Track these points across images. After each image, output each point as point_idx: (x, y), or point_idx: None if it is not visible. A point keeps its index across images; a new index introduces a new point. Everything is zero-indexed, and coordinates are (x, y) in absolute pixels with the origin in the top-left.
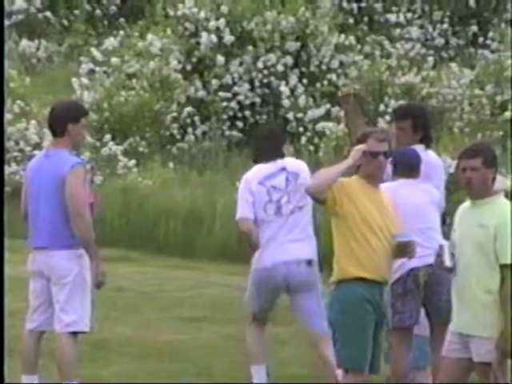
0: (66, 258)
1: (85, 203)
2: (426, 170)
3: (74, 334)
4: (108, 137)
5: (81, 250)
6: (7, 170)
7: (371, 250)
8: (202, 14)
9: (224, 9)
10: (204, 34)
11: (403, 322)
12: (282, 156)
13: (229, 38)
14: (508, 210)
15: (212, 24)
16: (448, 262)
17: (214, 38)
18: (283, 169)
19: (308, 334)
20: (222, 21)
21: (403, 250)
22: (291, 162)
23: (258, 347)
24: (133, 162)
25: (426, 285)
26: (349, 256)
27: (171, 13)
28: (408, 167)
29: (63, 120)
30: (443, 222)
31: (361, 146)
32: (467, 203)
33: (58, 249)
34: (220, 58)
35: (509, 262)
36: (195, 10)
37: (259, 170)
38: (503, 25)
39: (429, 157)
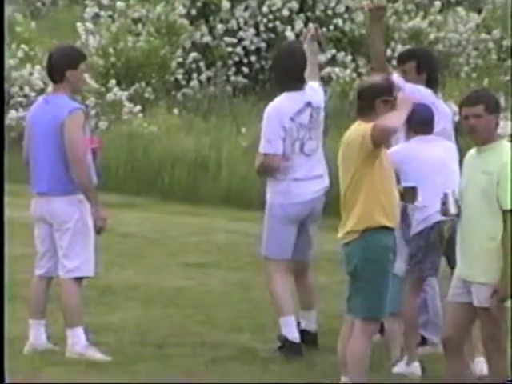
0: (67, 204)
1: (83, 148)
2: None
3: (78, 279)
4: (113, 82)
5: (81, 196)
6: (12, 115)
7: (393, 199)
8: None
9: None
10: None
11: (423, 271)
12: (305, 81)
13: None
14: (509, 155)
15: None
16: (453, 210)
17: None
18: (309, 104)
19: (297, 263)
20: None
21: (408, 195)
22: (314, 94)
23: (286, 297)
24: (138, 107)
25: (449, 237)
26: (376, 205)
27: None
28: (422, 123)
29: (61, 66)
30: None
31: (410, 96)
32: (473, 150)
33: (59, 194)
34: (225, 3)
35: (509, 207)
36: None
37: (288, 102)
38: None
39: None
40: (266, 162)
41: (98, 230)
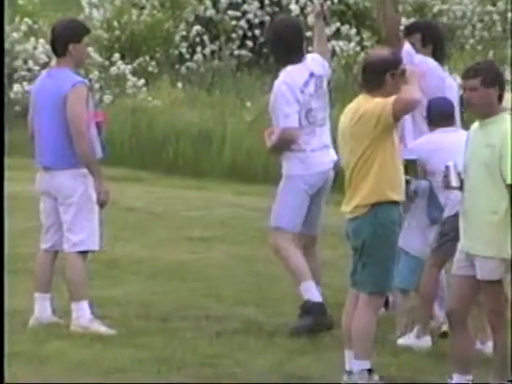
0: (71, 178)
1: (86, 122)
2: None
3: (83, 253)
4: (117, 56)
5: (85, 169)
6: (16, 89)
7: (401, 173)
8: None
9: None
10: None
11: (450, 251)
12: (304, 53)
13: None
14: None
15: None
16: (454, 182)
17: None
18: (312, 74)
19: (306, 238)
20: None
21: (410, 168)
22: (314, 64)
23: (303, 263)
24: (142, 81)
25: None
26: (387, 179)
27: None
28: (444, 116)
29: (64, 40)
30: None
31: (421, 70)
32: (476, 123)
33: (62, 168)
34: None
35: (509, 181)
36: None
37: (295, 74)
38: None
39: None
40: (286, 136)
41: (101, 204)
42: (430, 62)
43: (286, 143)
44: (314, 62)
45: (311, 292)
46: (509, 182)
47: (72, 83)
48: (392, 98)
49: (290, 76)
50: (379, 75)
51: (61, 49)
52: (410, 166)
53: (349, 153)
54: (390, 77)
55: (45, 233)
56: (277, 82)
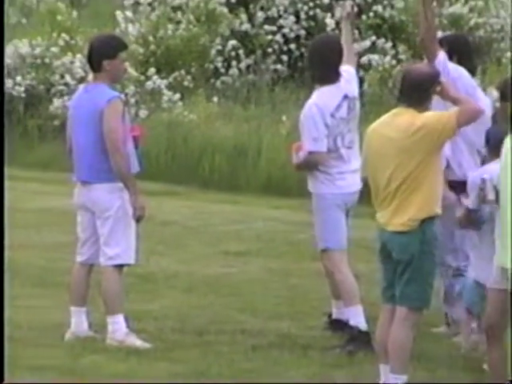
0: (108, 192)
1: (122, 137)
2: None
3: (119, 267)
4: (152, 70)
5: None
6: (56, 103)
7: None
8: None
9: None
10: None
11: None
12: (340, 74)
13: None
14: None
15: None
16: (491, 196)
17: None
18: (346, 96)
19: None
20: None
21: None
22: (348, 85)
23: (355, 286)
24: (177, 96)
25: None
26: (435, 194)
27: None
28: (499, 147)
29: (99, 56)
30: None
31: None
32: (509, 136)
33: (100, 182)
34: None
35: None
36: None
37: (327, 98)
38: None
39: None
40: (313, 160)
41: (137, 219)
42: (461, 70)
43: (312, 166)
44: (347, 82)
45: (359, 319)
46: None
47: (108, 98)
48: (455, 111)
49: (323, 98)
50: (424, 91)
51: (96, 64)
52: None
53: (396, 166)
54: (433, 91)
55: (81, 246)
56: (309, 103)
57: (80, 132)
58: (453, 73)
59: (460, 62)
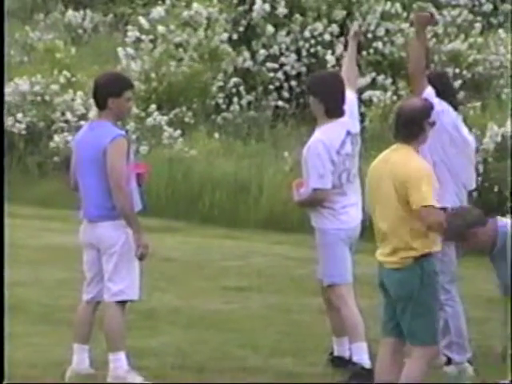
0: (113, 229)
1: (125, 176)
2: None
3: (122, 303)
4: (153, 107)
5: None
6: (57, 139)
7: None
8: None
9: None
10: (258, 1)
11: None
12: (344, 110)
13: (282, 10)
14: None
15: None
16: None
17: (267, 7)
18: (348, 133)
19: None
20: None
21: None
22: (351, 121)
23: (360, 323)
24: (178, 132)
25: None
26: (427, 233)
27: None
28: None
29: (104, 94)
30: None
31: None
32: None
33: (104, 220)
34: (270, 28)
35: None
36: None
37: (332, 134)
38: None
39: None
40: (317, 197)
41: (141, 257)
42: (445, 104)
43: (317, 203)
44: (351, 119)
45: (362, 356)
46: None
47: (112, 137)
48: (427, 205)
49: (328, 135)
50: (417, 125)
51: (101, 102)
52: None
53: (384, 206)
54: (427, 125)
55: (87, 284)
56: (313, 139)
57: (85, 170)
58: (437, 107)
59: (444, 98)
